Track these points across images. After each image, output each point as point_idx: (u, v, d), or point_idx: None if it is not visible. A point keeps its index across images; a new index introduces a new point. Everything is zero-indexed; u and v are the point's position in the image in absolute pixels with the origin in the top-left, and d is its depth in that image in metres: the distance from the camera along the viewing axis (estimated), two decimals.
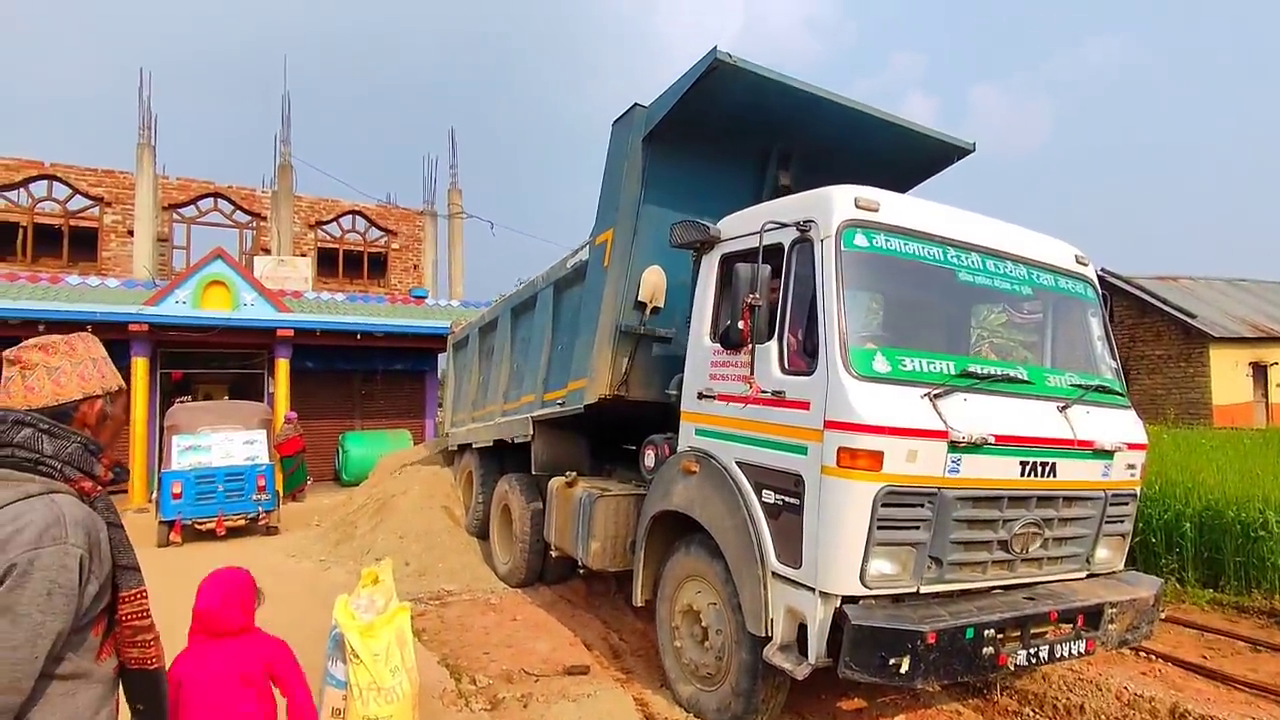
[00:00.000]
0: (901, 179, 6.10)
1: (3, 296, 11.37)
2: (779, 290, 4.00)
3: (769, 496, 3.89)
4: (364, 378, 16.22)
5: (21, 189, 14.02)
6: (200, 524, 9.42)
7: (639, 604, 5.02)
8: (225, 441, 9.76)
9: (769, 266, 3.90)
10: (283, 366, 13.70)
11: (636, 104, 5.27)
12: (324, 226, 16.45)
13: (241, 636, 2.69)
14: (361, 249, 17.28)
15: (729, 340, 4.14)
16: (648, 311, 5.36)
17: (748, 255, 4.05)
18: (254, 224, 15.78)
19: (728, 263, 4.58)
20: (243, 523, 9.68)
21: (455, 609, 6.61)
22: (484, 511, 8.43)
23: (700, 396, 4.53)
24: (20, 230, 14.53)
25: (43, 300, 11.51)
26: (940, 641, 3.34)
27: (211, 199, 15.31)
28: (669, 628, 4.68)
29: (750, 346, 3.90)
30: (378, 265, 17.92)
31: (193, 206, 15.16)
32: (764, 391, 3.89)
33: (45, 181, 14.10)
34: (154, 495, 9.82)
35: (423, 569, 7.62)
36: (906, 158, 5.87)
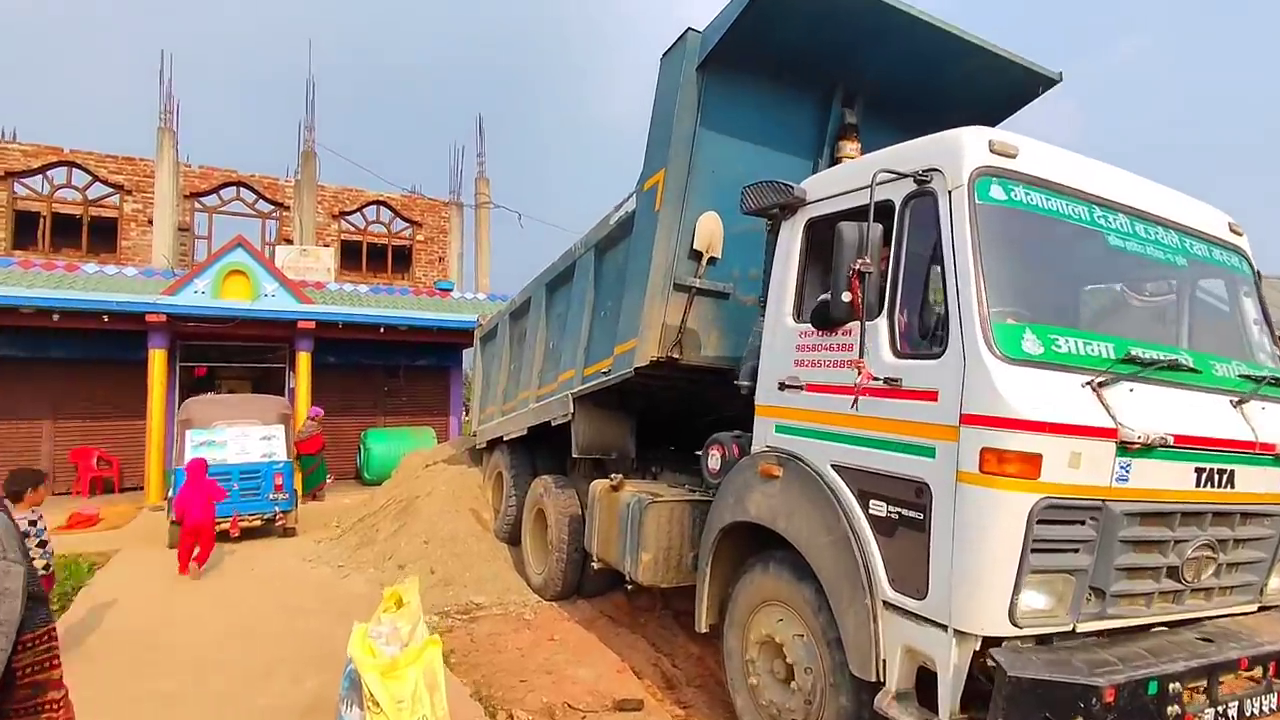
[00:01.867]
0: (979, 120, 5.39)
1: (17, 285, 10.95)
2: (886, 258, 3.29)
3: (879, 508, 3.17)
4: (387, 373, 15.67)
5: (41, 176, 13.67)
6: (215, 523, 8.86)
7: (703, 629, 4.31)
8: (241, 437, 9.22)
9: (880, 226, 3.19)
10: (304, 360, 13.19)
11: (689, 28, 4.65)
12: (348, 217, 15.97)
13: None
14: (385, 241, 16.78)
15: (824, 318, 3.43)
16: (703, 263, 4.79)
17: (843, 218, 3.35)
18: (277, 214, 15.33)
19: (815, 229, 3.88)
20: (258, 523, 9.13)
21: (486, 625, 5.96)
22: (515, 515, 7.78)
23: (782, 387, 3.82)
24: (40, 220, 14.20)
25: (57, 288, 11.08)
26: (1119, 699, 2.60)
27: (234, 188, 14.87)
28: (741, 660, 3.97)
29: (858, 324, 3.18)
30: (402, 259, 17.40)
31: (215, 195, 14.74)
32: (874, 380, 3.17)
33: (65, 168, 13.75)
34: (169, 493, 9.29)
35: (449, 578, 6.97)
36: (987, 93, 5.14)
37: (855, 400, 3.21)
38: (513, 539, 7.94)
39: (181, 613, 6.26)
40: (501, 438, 8.24)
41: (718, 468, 4.45)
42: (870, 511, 3.20)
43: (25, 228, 14.61)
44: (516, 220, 16.42)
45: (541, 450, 8.34)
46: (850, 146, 5.01)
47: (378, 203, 16.32)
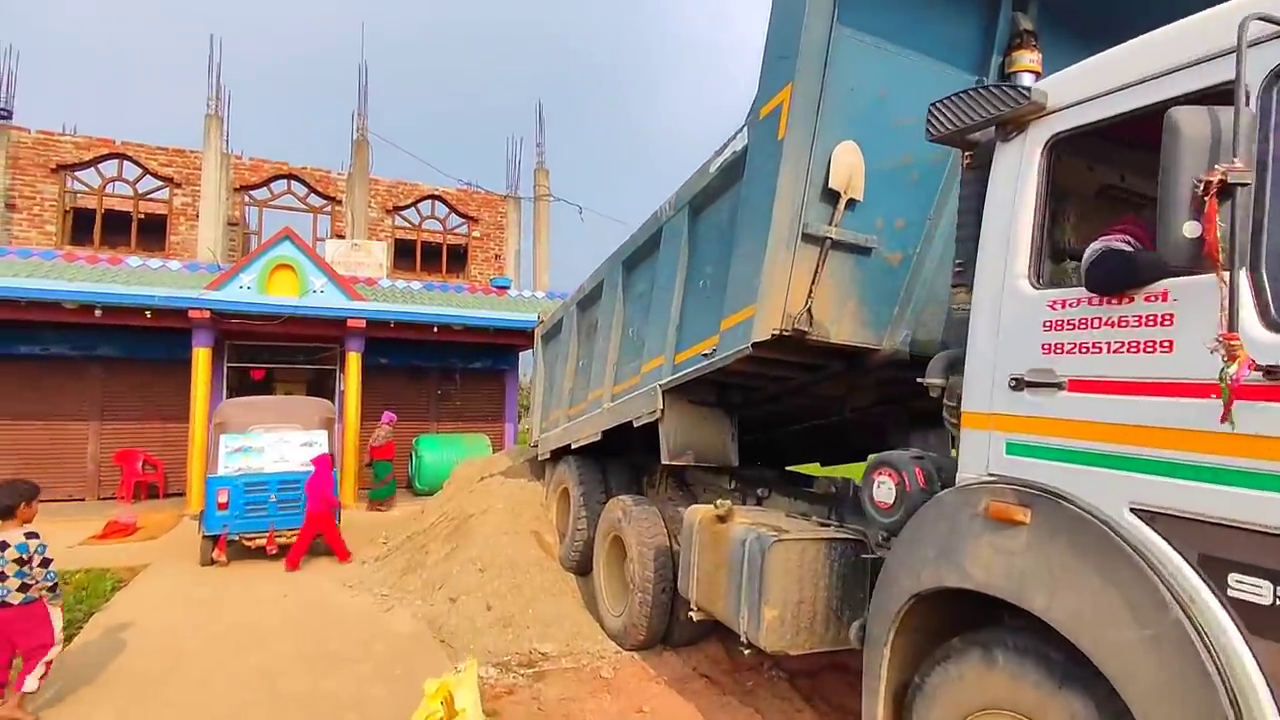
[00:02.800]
0: None
1: (59, 278, 10.38)
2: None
3: (1256, 590, 1.86)
4: (441, 376, 14.80)
5: (92, 168, 13.27)
6: (249, 540, 7.97)
7: None
8: (280, 443, 8.32)
9: (1251, 112, 1.89)
10: (354, 361, 12.37)
11: None
12: (401, 212, 15.21)
13: None
14: (440, 241, 15.98)
15: (1122, 272, 2.15)
16: (840, 207, 3.69)
17: (1121, 122, 2.08)
18: (329, 208, 14.67)
19: (1063, 149, 2.60)
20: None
21: (556, 685, 4.78)
22: (585, 541, 6.63)
23: (1019, 385, 2.53)
24: (94, 216, 13.81)
25: (99, 282, 10.47)
26: None
27: (285, 180, 14.27)
28: None
29: (1224, 274, 1.87)
30: (458, 258, 16.58)
31: (265, 189, 14.16)
32: (1255, 370, 1.86)
33: (116, 161, 13.31)
34: (204, 507, 8.44)
35: (507, 616, 5.83)
36: None
37: (1227, 406, 1.87)
38: (581, 568, 6.79)
39: (194, 653, 5.28)
40: (569, 446, 7.11)
41: (891, 501, 3.17)
42: (1235, 593, 1.89)
43: (81, 226, 14.27)
44: (577, 214, 15.35)
45: (614, 463, 7.20)
46: (1029, 57, 3.77)
47: (432, 197, 15.52)
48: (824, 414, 5.91)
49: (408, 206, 15.40)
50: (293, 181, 14.46)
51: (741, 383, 5.12)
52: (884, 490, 3.21)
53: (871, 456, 3.40)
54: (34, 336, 11.79)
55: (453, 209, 15.69)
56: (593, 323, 6.96)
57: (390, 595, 6.68)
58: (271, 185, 14.41)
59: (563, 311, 7.83)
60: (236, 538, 7.93)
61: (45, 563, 4.06)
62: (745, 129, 4.21)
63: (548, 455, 7.74)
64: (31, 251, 11.34)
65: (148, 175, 13.45)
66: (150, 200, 13.84)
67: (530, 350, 15.22)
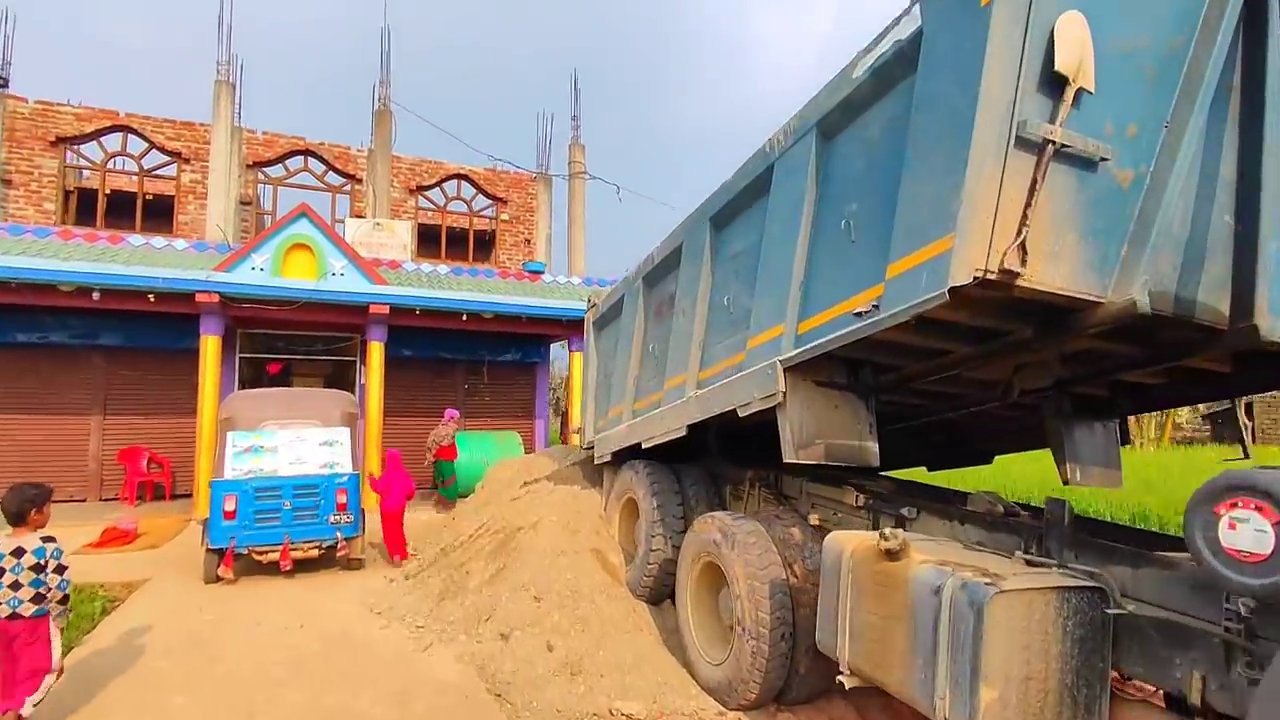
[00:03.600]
0: None
1: (54, 257, 9.37)
2: None
3: None
4: (469, 369, 13.72)
5: (94, 141, 12.27)
6: (259, 553, 6.90)
7: None
8: (295, 442, 7.23)
9: None
10: (376, 351, 11.29)
11: None
12: (425, 192, 14.13)
13: None
14: (466, 225, 14.88)
15: None
16: (1066, 98, 2.63)
17: None
18: (348, 187, 13.60)
19: None
20: (315, 553, 7.11)
21: None
22: (662, 565, 5.53)
23: None
24: (96, 196, 12.83)
25: (97, 261, 9.45)
26: None
27: (301, 157, 13.21)
28: None
29: None
30: (485, 245, 15.49)
31: (280, 166, 13.11)
32: None
33: (120, 134, 12.31)
34: (209, 514, 7.35)
35: (575, 661, 4.70)
36: None
37: None
38: (655, 596, 5.67)
39: (181, 714, 4.19)
40: (635, 448, 5.98)
41: (1268, 551, 1.99)
42: None
43: (85, 209, 13.31)
44: (614, 195, 14.17)
45: (689, 470, 6.07)
46: None
47: (458, 177, 14.42)
48: (966, 404, 4.78)
49: (432, 187, 14.31)
50: (309, 158, 13.39)
51: (884, 359, 4.00)
52: (1249, 533, 2.04)
53: (1219, 476, 2.22)
54: (30, 323, 10.82)
55: (480, 189, 14.59)
56: (667, 298, 5.80)
57: (427, 627, 5.57)
58: (287, 162, 13.36)
59: (623, 289, 6.68)
60: (245, 551, 6.86)
61: (60, 569, 3.77)
62: (916, 6, 3.08)
63: (607, 458, 6.59)
64: (25, 228, 10.34)
65: (154, 150, 12.43)
66: (156, 178, 12.83)
67: (560, 341, 14.13)
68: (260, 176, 13.13)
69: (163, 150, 12.50)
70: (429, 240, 14.64)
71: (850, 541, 3.50)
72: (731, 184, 4.77)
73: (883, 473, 6.79)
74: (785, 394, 3.98)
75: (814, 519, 4.89)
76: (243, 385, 11.93)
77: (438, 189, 14.35)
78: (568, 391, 13.14)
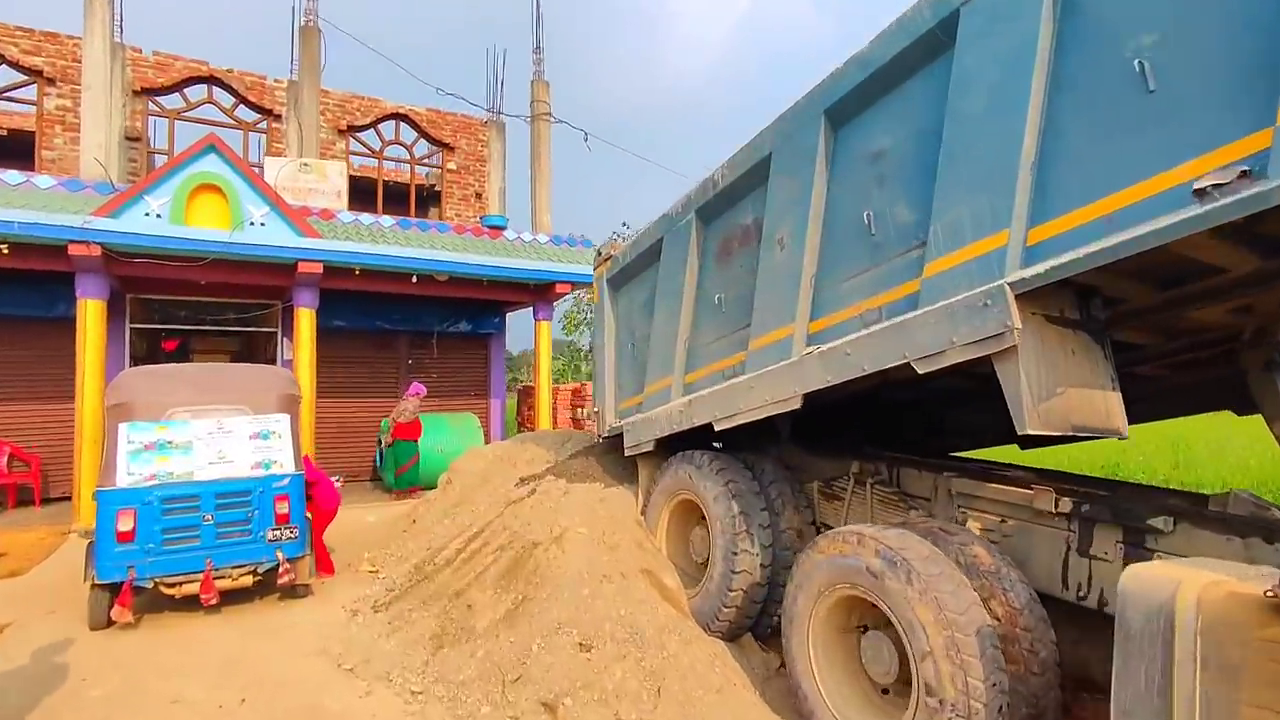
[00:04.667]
0: None
1: None
2: None
3: None
4: (414, 342, 11.87)
5: None
6: (171, 584, 5.10)
7: None
8: (217, 435, 5.41)
9: None
10: (305, 320, 9.35)
11: None
12: (358, 133, 12.04)
13: None
14: (406, 181, 12.85)
15: None
16: None
17: None
18: (264, 124, 11.36)
19: None
20: (249, 581, 5.35)
21: None
22: (745, 594, 4.16)
23: None
24: None
25: None
26: None
27: (204, 86, 10.86)
28: None
29: None
30: (428, 203, 13.51)
31: (177, 95, 10.74)
32: None
33: None
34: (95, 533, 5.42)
35: None
36: None
37: None
38: (734, 631, 4.30)
39: None
40: (693, 431, 4.57)
41: None
42: None
43: None
44: (582, 141, 12.52)
45: (764, 462, 4.73)
46: None
47: (397, 117, 12.38)
48: (1156, 354, 3.77)
49: (366, 127, 12.22)
50: (214, 87, 11.07)
51: (1124, 287, 2.86)
52: None
53: None
54: None
55: (423, 133, 12.59)
56: (740, 230, 4.38)
57: (428, 693, 3.98)
58: (185, 90, 10.98)
59: (660, 231, 5.17)
60: (151, 584, 5.05)
61: None
62: None
63: (648, 446, 5.11)
64: None
65: (5, 65, 9.85)
66: (11, 101, 10.23)
67: (519, 310, 12.49)
68: (152, 107, 10.72)
69: (18, 67, 9.93)
70: (362, 196, 12.56)
71: (1193, 585, 2.22)
72: (868, 57, 3.38)
73: (956, 455, 5.68)
74: (1019, 338, 2.69)
75: (973, 528, 3.65)
76: (135, 363, 9.73)
77: (372, 130, 12.27)
78: (534, 368, 11.52)
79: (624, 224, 26.25)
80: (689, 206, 4.86)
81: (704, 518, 4.66)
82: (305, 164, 9.83)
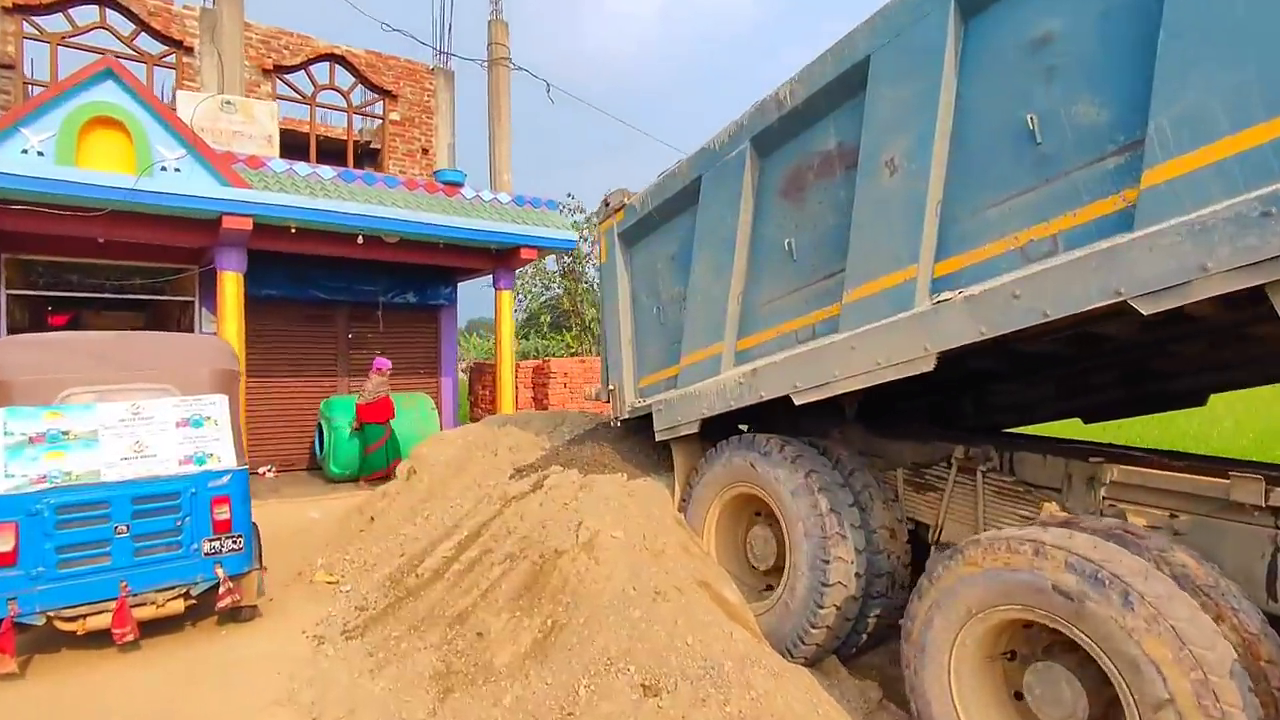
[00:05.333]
0: None
1: None
2: None
3: None
4: (355, 313, 10.55)
5: None
6: (71, 618, 3.91)
7: None
8: (133, 422, 4.19)
9: None
10: (231, 287, 7.98)
11: None
12: (286, 75, 10.50)
13: None
14: (342, 137, 11.38)
15: None
16: None
17: None
18: (172, 57, 9.71)
19: None
20: (180, 607, 4.20)
21: None
22: (839, 611, 3.38)
23: None
24: None
25: None
26: None
27: (94, 7, 9.13)
28: None
29: None
30: (366, 161, 12.07)
31: (59, 15, 8.96)
32: None
33: None
34: None
35: None
36: None
37: None
38: (819, 655, 3.51)
39: None
40: (745, 411, 3.75)
41: None
42: None
43: None
44: (545, 93, 11.34)
45: (837, 448, 3.95)
46: None
47: (331, 58, 10.89)
48: None
49: (295, 69, 10.68)
50: (109, 8, 9.34)
51: None
52: None
53: None
54: None
55: (361, 78, 11.14)
56: (823, 156, 3.53)
57: None
58: (71, 11, 9.23)
59: (700, 168, 4.25)
60: (41, 618, 3.84)
61: None
62: None
63: (693, 428, 4.22)
64: None
65: None
66: None
67: (483, 277, 11.34)
68: (27, 28, 8.92)
69: None
70: (290, 153, 10.99)
71: None
72: None
73: (1009, 430, 5.07)
74: None
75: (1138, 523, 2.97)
76: (10, 333, 8.13)
77: (303, 73, 10.74)
78: (496, 344, 10.43)
79: (569, 195, 25.04)
80: (740, 135, 3.97)
81: (767, 515, 3.85)
82: (229, 102, 8.35)
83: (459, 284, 11.62)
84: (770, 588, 3.98)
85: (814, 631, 3.37)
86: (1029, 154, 2.70)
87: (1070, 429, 5.38)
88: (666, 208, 4.61)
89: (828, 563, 3.35)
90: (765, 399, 3.65)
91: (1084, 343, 3.61)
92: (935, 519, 3.65)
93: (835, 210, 3.47)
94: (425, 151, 11.70)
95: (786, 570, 3.54)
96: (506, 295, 10.18)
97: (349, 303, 10.45)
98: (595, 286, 22.27)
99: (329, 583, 5.39)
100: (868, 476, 3.73)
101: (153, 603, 4.05)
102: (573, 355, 16.42)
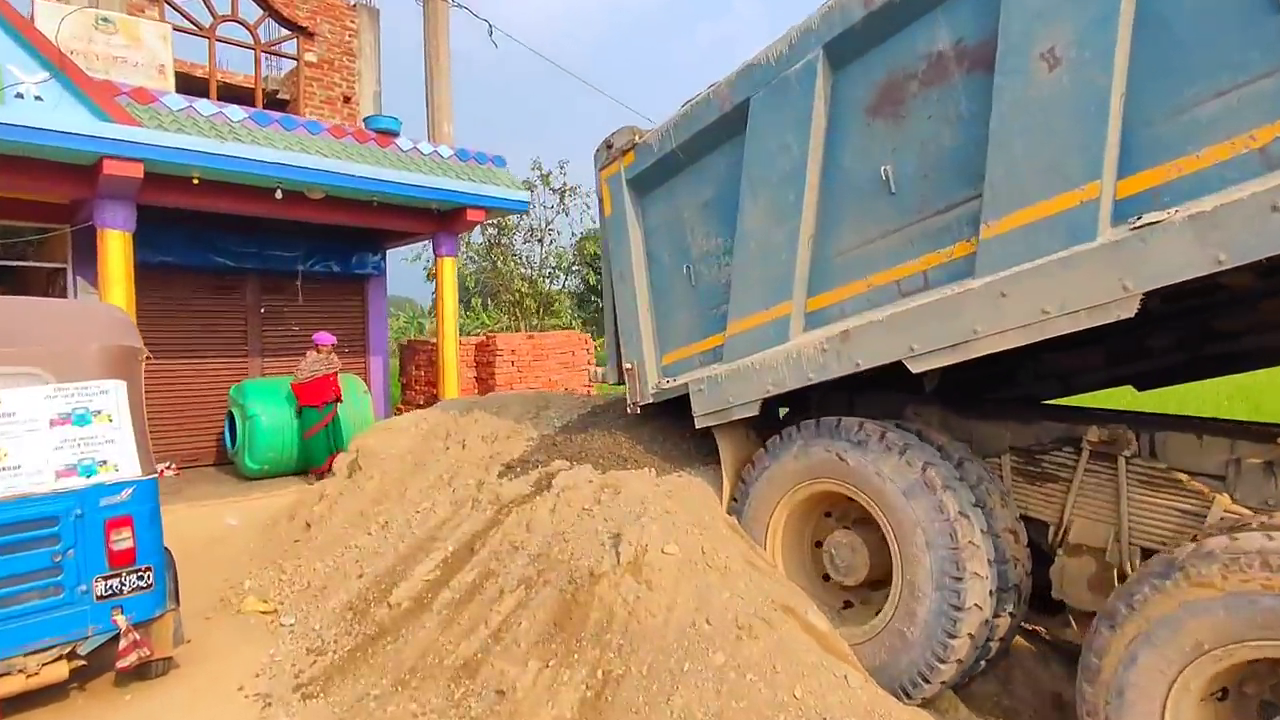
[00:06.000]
0: None
1: None
2: None
3: None
4: (268, 283, 9.14)
5: None
6: None
7: None
8: None
9: None
10: (116, 249, 6.53)
11: None
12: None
13: None
14: (247, 85, 9.77)
15: None
16: None
17: None
18: None
19: None
20: (64, 672, 3.07)
21: None
22: (971, 641, 2.68)
23: None
24: None
25: None
26: None
27: None
28: None
29: None
30: (278, 106, 10.49)
31: None
32: None
33: None
34: None
35: None
36: None
37: None
38: (935, 696, 2.80)
39: None
40: (815, 387, 3.02)
41: None
42: None
43: None
44: (486, 35, 10.08)
45: (938, 435, 3.25)
46: None
47: None
48: None
49: None
50: None
51: None
52: None
53: None
54: None
55: (271, 10, 9.56)
56: (932, 59, 2.78)
57: None
58: None
59: (748, 89, 3.39)
60: None
61: None
62: None
63: (752, 409, 3.39)
64: None
65: None
66: None
67: (420, 241, 10.01)
68: None
69: None
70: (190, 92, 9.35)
71: None
72: None
73: (1053, 401, 4.54)
74: None
75: None
76: None
77: (199, 1, 9.09)
78: (438, 318, 9.27)
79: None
80: (807, 42, 3.16)
81: (858, 518, 3.11)
82: (106, 19, 6.78)
83: (388, 251, 10.34)
84: (848, 605, 3.26)
85: (942, 667, 2.66)
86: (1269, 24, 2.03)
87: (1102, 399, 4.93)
88: (697, 143, 3.75)
89: (961, 580, 2.64)
90: (862, 369, 2.88)
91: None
92: (1058, 516, 3.01)
93: (955, 125, 2.73)
94: (347, 100, 10.26)
95: (897, 589, 2.81)
96: (450, 263, 9.02)
97: (261, 271, 9.01)
98: (525, 259, 21.06)
99: (264, 612, 4.33)
100: (979, 468, 3.04)
101: (22, 671, 2.92)
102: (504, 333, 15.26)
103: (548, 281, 21.78)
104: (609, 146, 4.31)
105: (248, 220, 7.94)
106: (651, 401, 3.91)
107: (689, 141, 3.77)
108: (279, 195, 7.21)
